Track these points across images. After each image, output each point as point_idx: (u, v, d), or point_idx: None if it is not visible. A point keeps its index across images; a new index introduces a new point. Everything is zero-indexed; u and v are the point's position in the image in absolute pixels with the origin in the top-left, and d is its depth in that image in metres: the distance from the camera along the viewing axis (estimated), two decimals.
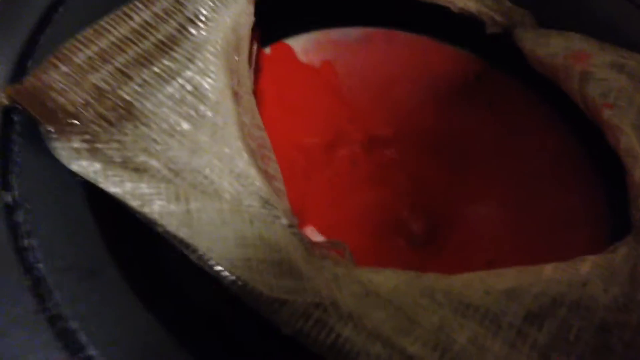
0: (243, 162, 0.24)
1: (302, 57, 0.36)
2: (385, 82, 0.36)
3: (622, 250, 0.24)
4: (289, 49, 0.35)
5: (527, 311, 0.22)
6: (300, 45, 0.36)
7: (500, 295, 0.22)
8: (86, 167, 0.22)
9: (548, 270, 0.23)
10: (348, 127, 0.34)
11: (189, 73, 0.26)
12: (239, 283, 0.21)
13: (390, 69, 0.36)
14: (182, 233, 0.21)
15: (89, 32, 0.26)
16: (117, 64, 0.25)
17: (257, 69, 0.33)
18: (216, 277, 0.22)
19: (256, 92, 0.33)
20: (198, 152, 0.24)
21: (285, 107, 0.34)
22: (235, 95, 0.26)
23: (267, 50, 0.35)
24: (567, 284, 0.23)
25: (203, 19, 0.28)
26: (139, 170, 0.23)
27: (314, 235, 0.30)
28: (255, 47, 0.30)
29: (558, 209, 0.32)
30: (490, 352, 0.21)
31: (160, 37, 0.27)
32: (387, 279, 0.22)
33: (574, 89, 0.32)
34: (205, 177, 0.24)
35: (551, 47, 0.34)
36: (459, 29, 0.35)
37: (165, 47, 0.26)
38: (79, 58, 0.25)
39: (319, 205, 0.31)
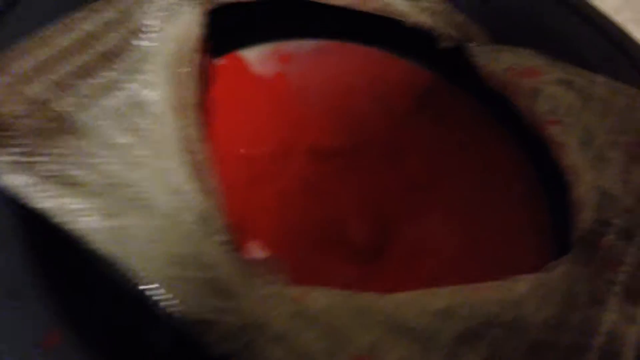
0: (182, 178, 0.24)
1: (255, 69, 0.35)
2: (337, 95, 0.36)
3: (559, 269, 0.25)
4: (242, 61, 0.35)
5: (460, 331, 0.22)
6: (253, 56, 0.35)
7: (433, 316, 0.22)
8: (16, 182, 0.22)
9: (483, 290, 0.23)
10: (297, 138, 0.34)
11: (131, 85, 0.26)
12: (168, 303, 0.21)
13: (343, 81, 0.36)
14: (110, 250, 0.21)
15: (29, 42, 0.25)
16: (56, 76, 0.25)
17: (208, 81, 0.33)
18: (145, 296, 0.21)
19: (207, 104, 0.33)
20: (136, 166, 0.24)
21: (235, 118, 0.34)
22: (179, 108, 0.26)
23: (220, 61, 0.34)
24: (501, 304, 0.23)
25: (149, 30, 0.27)
26: (71, 185, 0.23)
27: (255, 249, 0.30)
28: (204, 59, 0.30)
29: (504, 225, 0.32)
30: None
31: (103, 48, 0.26)
32: (320, 298, 0.22)
33: (522, 104, 0.32)
34: (142, 192, 0.23)
35: (502, 63, 0.34)
36: (413, 43, 0.35)
37: (108, 58, 0.26)
38: (17, 69, 0.24)
39: (265, 218, 0.31)
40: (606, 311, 0.24)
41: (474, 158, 0.35)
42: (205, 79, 0.32)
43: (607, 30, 0.37)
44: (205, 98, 0.33)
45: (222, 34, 0.33)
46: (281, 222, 0.31)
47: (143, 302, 0.21)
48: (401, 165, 0.35)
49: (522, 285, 0.24)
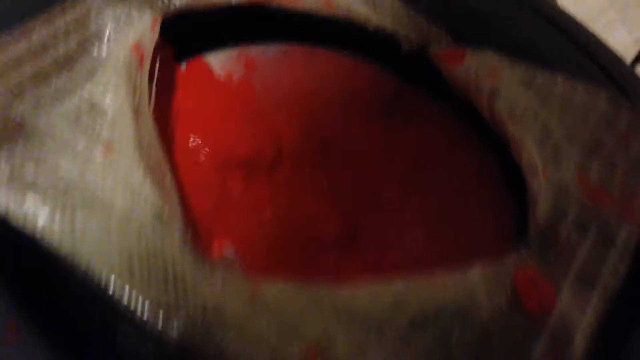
0: (137, 178, 0.24)
1: (219, 73, 0.36)
2: (303, 99, 0.37)
3: (512, 260, 0.25)
4: (205, 66, 0.36)
5: (412, 318, 0.23)
6: (218, 61, 0.36)
7: (386, 305, 0.23)
8: None
9: (436, 278, 0.24)
10: (264, 145, 0.34)
11: (87, 91, 0.26)
12: (125, 297, 0.21)
13: (309, 85, 0.37)
14: (64, 248, 0.21)
15: None
16: (12, 82, 0.25)
17: (171, 86, 0.34)
18: (103, 293, 0.22)
19: (171, 110, 0.34)
20: (91, 168, 0.24)
21: (201, 125, 0.34)
22: (135, 113, 0.26)
23: (183, 67, 0.35)
24: (454, 292, 0.23)
25: (105, 37, 0.28)
26: (29, 186, 0.23)
27: (222, 246, 0.30)
28: (158, 63, 0.30)
29: (468, 225, 0.33)
30: (373, 358, 0.21)
31: (58, 55, 0.27)
32: (273, 288, 0.23)
33: (484, 105, 0.32)
34: (97, 193, 0.24)
35: (465, 64, 0.34)
36: (377, 47, 0.36)
37: (64, 65, 0.27)
38: None
39: (232, 221, 0.31)
40: (559, 299, 0.24)
41: (439, 158, 0.35)
42: (169, 84, 0.32)
43: (568, 30, 0.37)
44: (168, 103, 0.33)
45: (185, 39, 0.34)
46: (250, 223, 0.31)
47: (104, 297, 0.21)
48: (369, 167, 0.35)
49: (474, 275, 0.24)
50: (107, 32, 0.27)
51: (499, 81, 0.33)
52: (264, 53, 0.36)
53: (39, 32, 0.26)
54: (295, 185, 0.34)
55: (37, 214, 0.22)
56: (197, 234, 0.26)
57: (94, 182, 0.24)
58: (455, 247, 0.32)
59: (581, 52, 0.38)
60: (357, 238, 0.33)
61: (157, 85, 0.29)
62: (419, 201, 0.34)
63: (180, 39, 0.32)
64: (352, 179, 0.35)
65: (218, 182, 0.33)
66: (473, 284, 0.24)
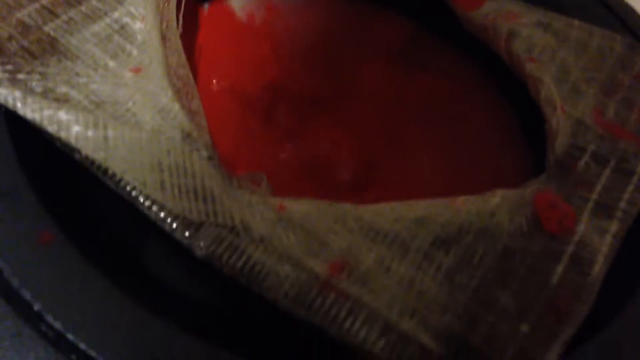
0: (166, 98, 0.25)
1: (241, 16, 0.36)
2: (324, 44, 0.37)
3: (532, 186, 0.25)
4: (228, 8, 0.36)
5: (434, 237, 0.23)
6: (240, 5, 0.36)
7: (409, 223, 0.23)
8: (5, 94, 0.23)
9: (458, 202, 0.24)
10: (285, 86, 0.35)
11: (116, 14, 0.27)
12: (154, 207, 0.22)
13: (329, 31, 0.37)
14: (98, 156, 0.22)
15: None
16: (44, 2, 0.26)
17: (194, 27, 0.34)
18: (133, 203, 0.22)
19: (194, 49, 0.34)
20: (122, 86, 0.25)
21: (223, 63, 0.34)
22: (163, 38, 0.27)
23: (206, 8, 0.35)
24: (476, 214, 0.24)
25: None
26: (60, 100, 0.23)
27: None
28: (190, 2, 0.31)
29: (487, 167, 0.33)
30: (397, 273, 0.22)
31: None
32: (301, 206, 0.23)
33: (501, 46, 0.33)
34: (127, 109, 0.24)
35: (482, 9, 0.35)
36: None
37: None
38: None
39: (252, 154, 0.32)
40: (578, 223, 0.24)
41: (457, 104, 0.35)
42: (191, 24, 0.33)
43: None
44: (191, 43, 0.33)
45: None
46: (270, 156, 0.32)
47: (134, 208, 0.21)
48: (387, 112, 0.36)
49: (496, 198, 0.24)
50: None
51: (517, 23, 0.33)
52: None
53: None
54: (314, 125, 0.34)
55: (71, 123, 0.22)
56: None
57: (125, 98, 0.24)
58: (473, 185, 0.33)
59: (599, 3, 0.38)
60: (375, 175, 0.33)
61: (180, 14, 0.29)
62: (436, 139, 0.35)
63: None
64: (369, 119, 0.35)
65: (238, 119, 0.33)
66: (494, 205, 0.24)
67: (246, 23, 0.36)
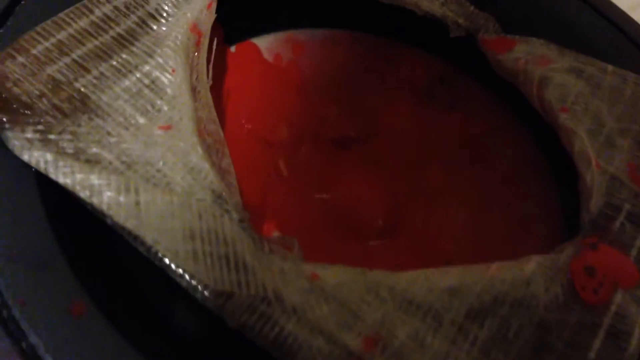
0: (197, 157, 0.24)
1: (268, 57, 0.36)
2: (351, 83, 0.37)
3: (568, 250, 0.25)
4: (255, 48, 0.36)
5: (469, 309, 0.23)
6: (267, 44, 0.36)
7: (443, 293, 0.23)
8: (37, 157, 0.22)
9: (493, 269, 0.24)
10: (312, 125, 0.34)
11: (147, 67, 0.26)
12: (186, 276, 0.22)
13: (356, 70, 0.37)
14: (130, 224, 0.22)
15: (48, 24, 0.26)
16: (74, 57, 0.25)
17: (222, 68, 0.34)
18: (165, 270, 0.22)
19: (222, 91, 0.34)
20: (152, 145, 0.24)
21: (250, 105, 0.34)
22: (193, 91, 0.26)
23: (233, 49, 0.35)
24: (511, 283, 0.23)
25: (164, 14, 0.28)
26: (91, 162, 0.23)
27: (271, 229, 0.31)
28: (215, 43, 0.30)
29: (516, 211, 0.33)
30: (431, 348, 0.22)
31: (120, 31, 0.27)
32: (333, 275, 0.23)
33: (533, 93, 0.32)
34: (158, 170, 0.24)
35: (513, 52, 0.34)
36: (424, 32, 0.36)
37: (124, 41, 0.27)
38: (37, 49, 0.25)
39: (280, 201, 0.32)
40: (615, 293, 0.24)
41: (486, 146, 0.35)
42: (219, 65, 0.33)
43: (617, 20, 0.37)
44: (219, 84, 0.33)
45: (236, 21, 0.34)
46: (299, 205, 0.32)
47: (165, 275, 0.21)
48: (414, 151, 0.35)
49: (531, 265, 0.24)
50: (167, 8, 0.27)
51: (549, 69, 0.33)
52: (311, 38, 0.36)
53: (101, 7, 0.26)
54: (340, 168, 0.34)
55: (103, 188, 0.22)
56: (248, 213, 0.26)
57: (155, 158, 0.24)
58: (502, 230, 0.32)
59: (629, 42, 0.37)
60: (403, 220, 0.33)
61: (210, 65, 0.29)
62: (463, 182, 0.34)
63: (230, 21, 0.32)
64: (397, 161, 0.35)
65: (265, 164, 0.33)
66: (530, 274, 0.24)
67: (273, 63, 0.36)
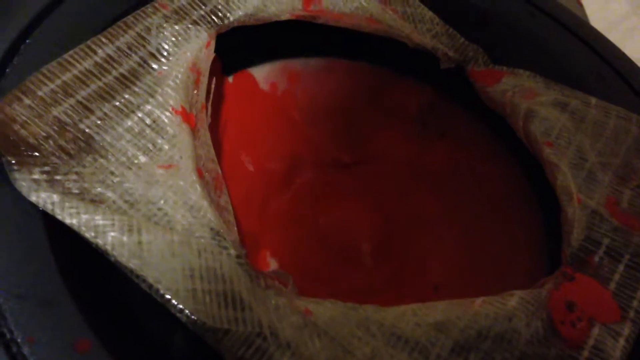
0: (196, 195, 0.26)
1: (264, 86, 0.37)
2: (344, 111, 0.38)
3: (549, 285, 0.26)
4: (252, 78, 0.37)
5: (454, 343, 0.24)
6: (263, 74, 0.37)
7: (429, 328, 0.24)
8: (45, 198, 0.24)
9: (477, 304, 0.25)
10: (306, 154, 0.36)
11: (148, 107, 0.27)
12: (186, 312, 0.23)
13: (349, 98, 0.38)
14: (132, 264, 0.23)
15: (53, 65, 0.27)
16: (79, 98, 0.27)
17: (220, 99, 0.35)
18: (165, 305, 0.23)
19: (219, 121, 0.35)
20: (154, 184, 0.26)
21: (246, 134, 0.35)
22: (193, 129, 0.28)
23: (230, 79, 0.36)
24: (494, 318, 0.25)
25: (165, 53, 0.29)
26: (95, 202, 0.24)
27: (268, 258, 0.32)
28: (214, 80, 0.32)
29: (502, 239, 0.34)
30: None
31: (122, 71, 0.28)
32: (325, 310, 0.24)
33: (519, 125, 0.33)
34: (160, 209, 0.25)
35: (501, 84, 0.35)
36: (416, 61, 0.37)
37: (126, 81, 0.28)
38: (42, 91, 0.26)
39: (277, 229, 0.33)
40: (593, 326, 0.25)
41: (474, 174, 0.36)
42: (217, 96, 0.34)
43: (599, 48, 0.38)
44: (217, 115, 0.34)
45: (233, 52, 0.35)
46: (295, 232, 0.33)
47: (166, 311, 0.22)
48: (404, 179, 0.37)
49: (514, 300, 0.25)
50: (167, 47, 0.29)
51: (535, 102, 0.34)
52: (306, 67, 0.37)
53: (104, 48, 0.27)
54: (334, 195, 0.35)
55: (107, 229, 0.23)
56: (244, 245, 0.27)
57: (156, 197, 0.25)
58: (489, 257, 0.34)
59: (611, 69, 0.39)
60: (394, 245, 0.34)
61: (209, 101, 0.30)
62: (453, 208, 0.36)
63: (228, 52, 0.33)
64: (389, 187, 0.36)
65: (262, 193, 0.34)
66: (512, 308, 0.25)
67: (269, 92, 0.37)
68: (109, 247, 0.23)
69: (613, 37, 0.42)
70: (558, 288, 0.26)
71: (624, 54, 0.38)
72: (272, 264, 0.33)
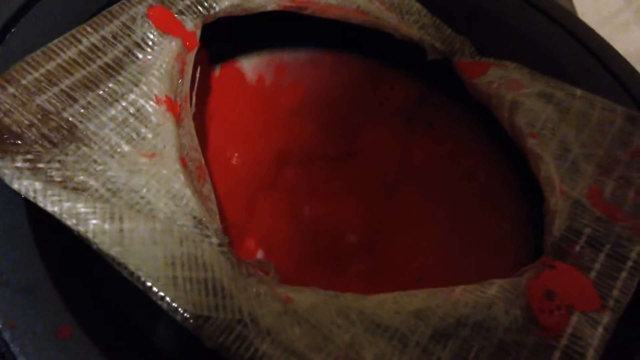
0: (179, 184, 0.26)
1: (251, 78, 0.37)
2: (331, 103, 0.38)
3: (529, 274, 0.26)
4: (238, 70, 0.37)
5: (433, 331, 0.24)
6: (250, 66, 0.37)
7: (409, 316, 0.24)
8: (27, 186, 0.24)
9: (457, 292, 0.25)
10: (293, 147, 0.36)
11: (132, 96, 0.28)
12: (167, 299, 0.23)
13: (337, 91, 0.38)
14: (114, 252, 0.23)
15: (37, 54, 0.27)
16: (63, 86, 0.27)
17: (206, 90, 0.35)
18: (147, 293, 0.23)
19: (205, 112, 0.35)
20: (137, 173, 0.26)
21: (233, 126, 0.35)
22: (177, 119, 0.28)
23: (217, 70, 0.36)
24: (473, 306, 0.25)
25: (150, 42, 0.29)
26: (78, 190, 0.24)
27: (254, 250, 0.32)
28: (198, 71, 0.32)
29: (487, 231, 0.34)
30: None
31: (107, 60, 0.28)
32: (306, 298, 0.24)
33: (504, 117, 0.34)
34: (142, 197, 0.25)
35: (487, 76, 0.36)
36: (403, 54, 0.37)
37: (111, 70, 0.28)
38: (26, 80, 0.26)
39: (264, 222, 0.33)
40: (572, 314, 0.26)
41: (461, 166, 0.36)
42: (203, 87, 0.34)
43: (587, 42, 0.38)
44: (203, 106, 0.35)
45: (219, 42, 0.35)
46: (280, 223, 0.33)
47: (147, 298, 0.23)
48: (390, 172, 0.37)
49: (493, 288, 0.26)
50: (152, 37, 0.29)
51: (520, 94, 0.34)
52: (294, 59, 0.37)
53: (89, 37, 0.28)
54: (320, 187, 0.35)
55: (89, 216, 0.23)
56: (230, 235, 0.27)
57: (139, 185, 0.25)
58: (474, 249, 0.34)
59: (598, 63, 0.39)
60: (379, 237, 0.34)
61: (194, 91, 0.30)
62: (438, 200, 0.36)
63: (215, 42, 0.33)
64: (375, 179, 0.36)
65: (248, 185, 0.34)
66: (491, 297, 0.25)
67: (256, 85, 0.37)
68: (90, 235, 0.23)
69: (606, 31, 0.42)
70: (538, 277, 0.26)
71: (612, 48, 0.38)
72: (259, 256, 0.33)
